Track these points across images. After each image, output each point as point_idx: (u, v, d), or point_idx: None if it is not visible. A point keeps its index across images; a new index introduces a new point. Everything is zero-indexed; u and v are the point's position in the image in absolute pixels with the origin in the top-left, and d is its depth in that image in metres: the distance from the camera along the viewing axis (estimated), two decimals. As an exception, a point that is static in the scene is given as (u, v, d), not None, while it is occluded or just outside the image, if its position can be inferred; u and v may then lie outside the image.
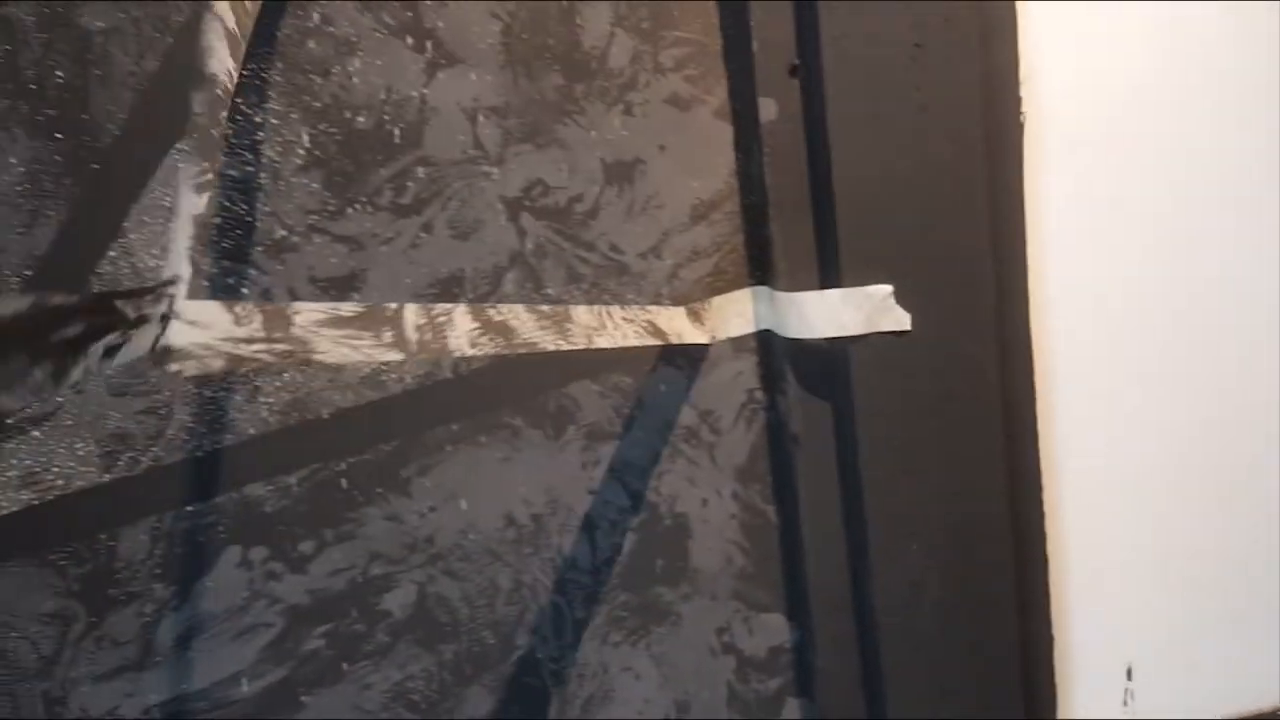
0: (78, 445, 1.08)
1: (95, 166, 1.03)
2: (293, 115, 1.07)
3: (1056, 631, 1.24)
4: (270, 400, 1.13)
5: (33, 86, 1.00)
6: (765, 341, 1.22)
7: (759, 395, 1.25)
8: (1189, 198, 1.24)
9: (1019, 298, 1.16)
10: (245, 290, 1.10)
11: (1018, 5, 1.16)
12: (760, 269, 1.22)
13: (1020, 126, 1.17)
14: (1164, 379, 1.26)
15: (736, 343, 1.23)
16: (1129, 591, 1.27)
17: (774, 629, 1.30)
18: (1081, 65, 1.19)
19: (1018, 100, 1.17)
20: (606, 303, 1.21)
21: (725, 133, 1.21)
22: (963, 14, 1.12)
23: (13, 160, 1.02)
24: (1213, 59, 1.23)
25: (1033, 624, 1.22)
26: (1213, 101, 1.24)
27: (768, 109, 1.16)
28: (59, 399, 1.06)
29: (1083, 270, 1.21)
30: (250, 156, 1.08)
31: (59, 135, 1.02)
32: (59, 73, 1.00)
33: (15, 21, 0.98)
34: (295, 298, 1.11)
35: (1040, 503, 1.20)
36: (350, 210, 1.10)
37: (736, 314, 1.21)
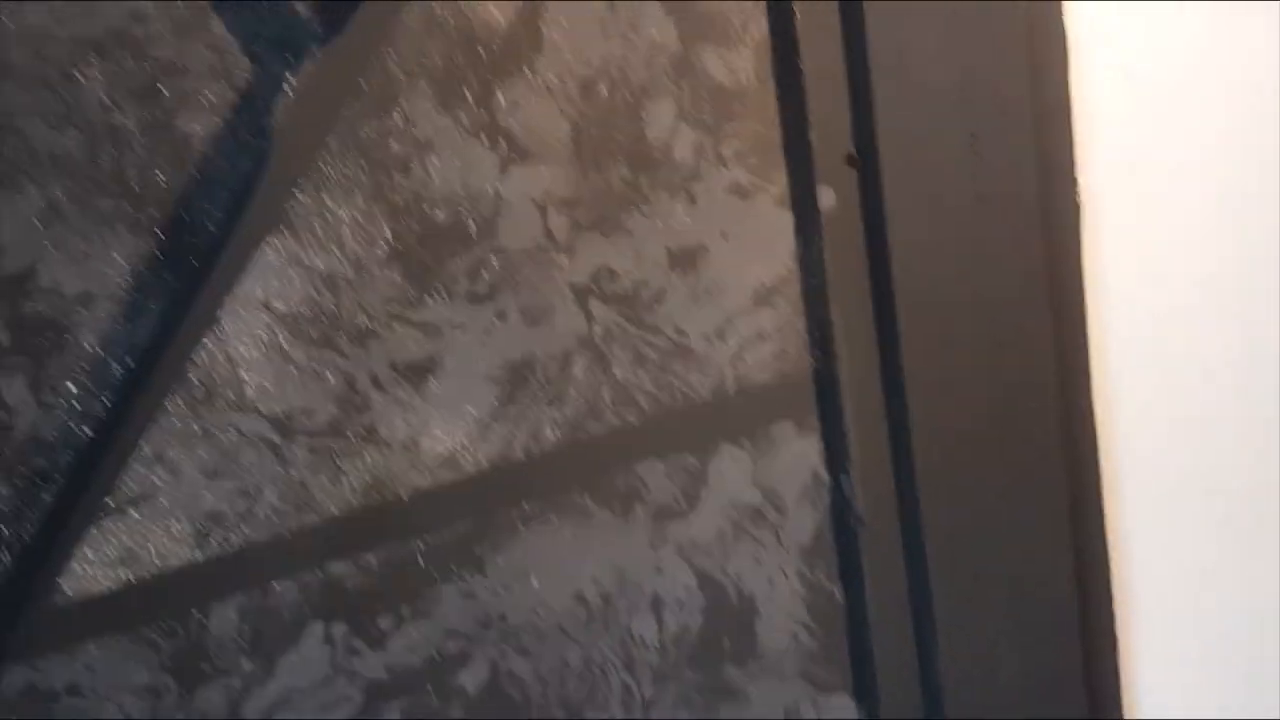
0: (173, 525, 1.10)
1: (194, 262, 1.07)
2: (376, 211, 1.10)
3: (1126, 712, 1.19)
4: (353, 481, 1.14)
5: (136, 189, 1.04)
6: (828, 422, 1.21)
7: (823, 475, 1.24)
8: (1253, 272, 1.20)
9: (1081, 383, 1.14)
10: (330, 376, 1.12)
11: (1072, 92, 1.16)
12: (822, 352, 1.21)
13: (1078, 209, 1.16)
14: (1238, 471, 1.21)
15: (800, 423, 1.22)
16: (1203, 681, 1.21)
17: (841, 709, 1.26)
18: (1139, 145, 1.18)
19: (1074, 184, 1.16)
20: (673, 384, 1.21)
21: (786, 220, 1.21)
22: (1017, 102, 1.12)
23: (116, 256, 1.05)
24: (1270, 131, 1.21)
25: (1103, 704, 1.17)
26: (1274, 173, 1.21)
27: (826, 197, 1.17)
28: (156, 481, 1.08)
29: (1148, 351, 1.18)
30: (336, 250, 1.10)
31: (159, 233, 1.06)
32: (161, 176, 1.04)
33: (123, 129, 1.03)
34: (377, 384, 1.12)
35: (1109, 587, 1.16)
36: (428, 299, 1.12)
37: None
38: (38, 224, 1.03)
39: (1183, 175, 1.26)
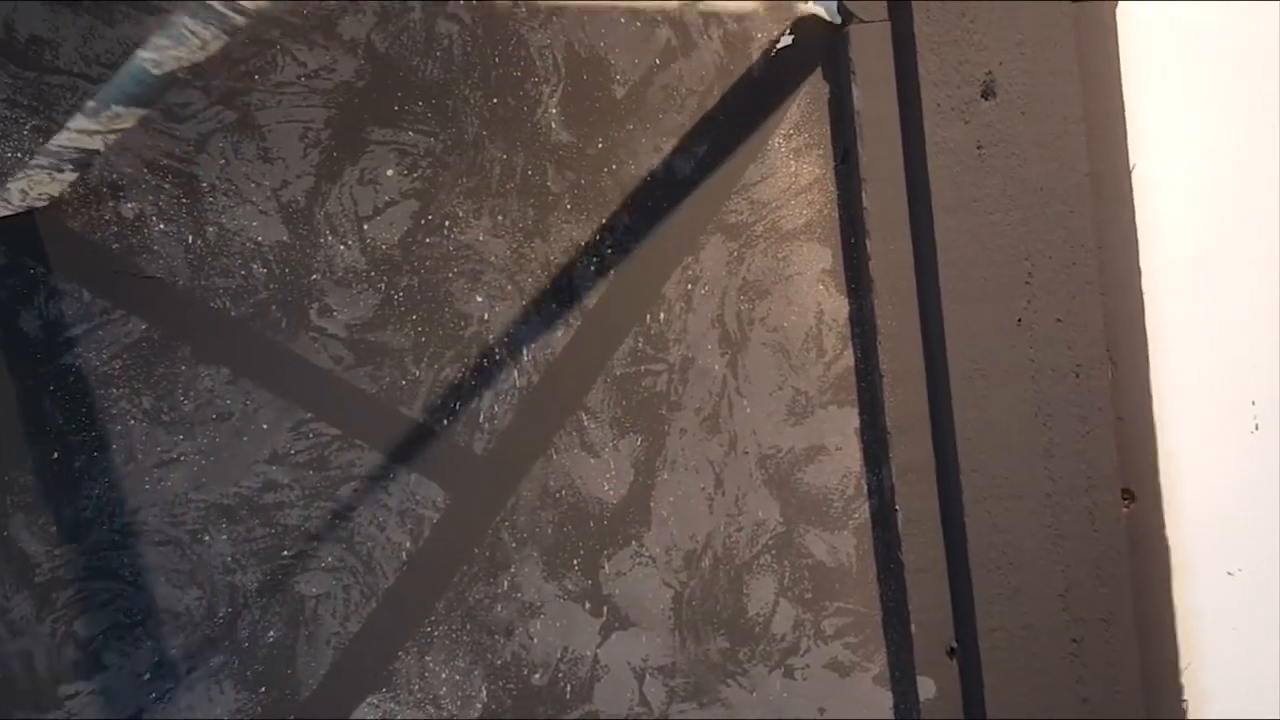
0: None
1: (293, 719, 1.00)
2: (475, 672, 1.04)
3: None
4: None
5: (245, 645, 0.99)
6: None
7: None
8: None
9: None
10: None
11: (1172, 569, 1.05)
12: None
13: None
14: None
15: None
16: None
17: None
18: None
19: (1179, 691, 1.03)
20: None
21: (885, 699, 1.10)
22: (1120, 614, 1.01)
23: (220, 712, 0.99)
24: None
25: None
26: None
27: (926, 687, 1.06)
28: None
29: None
30: (431, 710, 1.02)
31: (263, 689, 1.01)
32: (272, 632, 0.99)
33: (241, 588, 0.99)
34: None
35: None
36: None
37: None
38: (145, 677, 1.00)
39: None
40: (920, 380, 1.04)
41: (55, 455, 0.97)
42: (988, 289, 1.01)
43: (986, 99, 1.02)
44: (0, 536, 0.97)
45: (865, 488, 1.09)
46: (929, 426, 1.04)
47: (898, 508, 1.06)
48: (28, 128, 0.96)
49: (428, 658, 1.04)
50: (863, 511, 1.10)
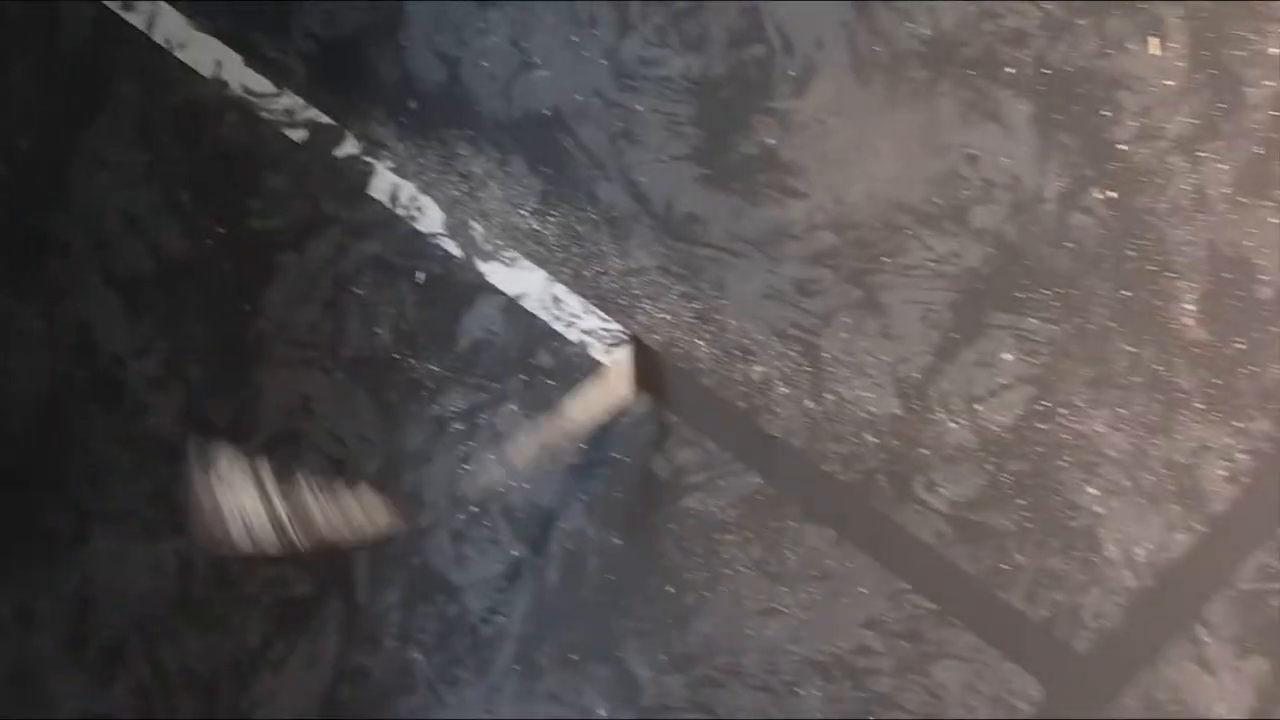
0: None
1: None
2: None
3: None
4: None
5: None
6: None
7: None
8: None
9: None
10: None
11: None
12: None
13: None
14: None
15: None
16: None
17: None
18: None
19: None
20: None
21: None
22: None
23: None
24: None
25: None
26: None
27: None
28: None
29: None
30: None
31: None
32: None
33: None
34: None
35: None
36: None
37: None
38: None
39: None
40: None
41: (669, 589, 1.05)
42: None
43: None
44: (614, 657, 1.06)
45: None
46: None
47: None
48: (675, 293, 1.06)
49: None
50: None
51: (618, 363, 1.04)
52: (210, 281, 1.17)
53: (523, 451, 1.00)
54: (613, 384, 1.03)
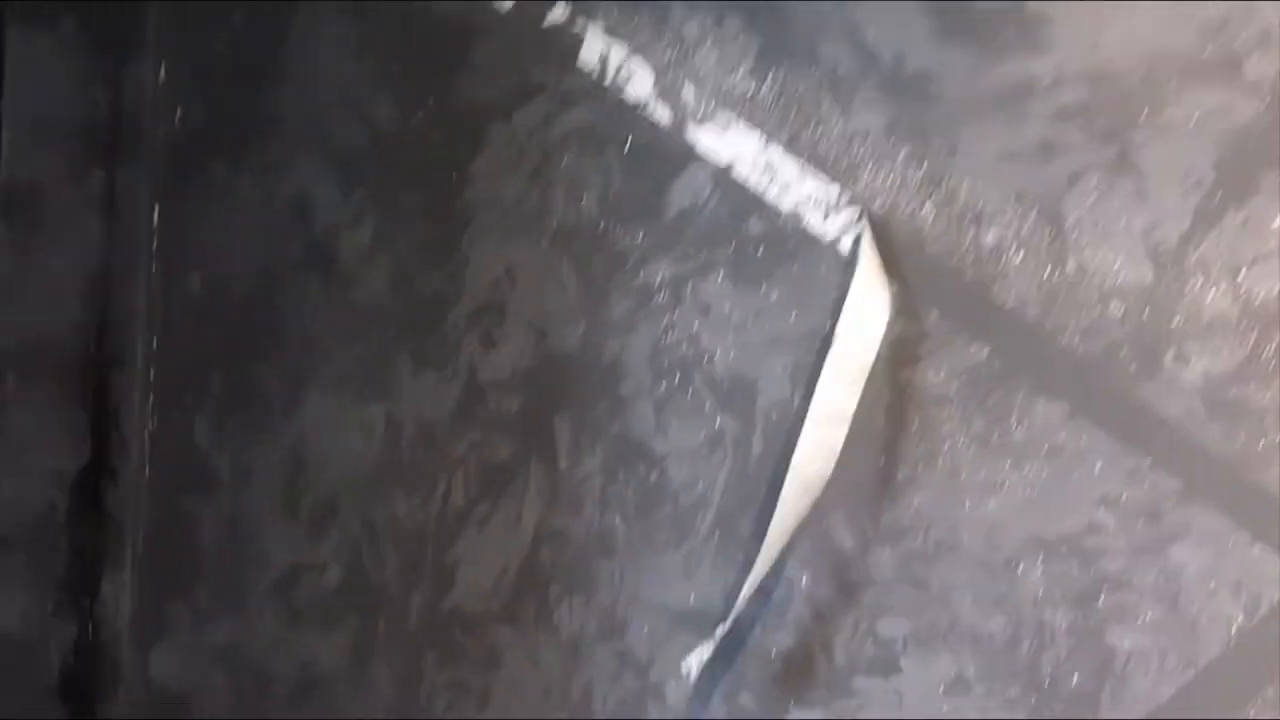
0: None
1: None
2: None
3: None
4: None
5: (1046, 683, 0.92)
6: None
7: None
8: None
9: None
10: None
11: None
12: None
13: None
14: None
15: None
16: None
17: None
18: None
19: None
20: None
21: None
22: None
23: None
24: None
25: None
26: None
27: None
28: None
29: None
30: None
31: None
32: (1076, 677, 0.92)
33: (1050, 626, 0.94)
34: None
35: None
36: None
37: None
38: (940, 690, 0.98)
39: None
40: None
41: (881, 461, 1.01)
42: None
43: None
44: (820, 527, 1.02)
45: None
46: None
47: None
48: (901, 155, 0.98)
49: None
50: None
51: (866, 250, 0.96)
52: (420, 153, 1.16)
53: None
54: (869, 278, 0.95)
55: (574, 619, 1.10)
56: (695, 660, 1.03)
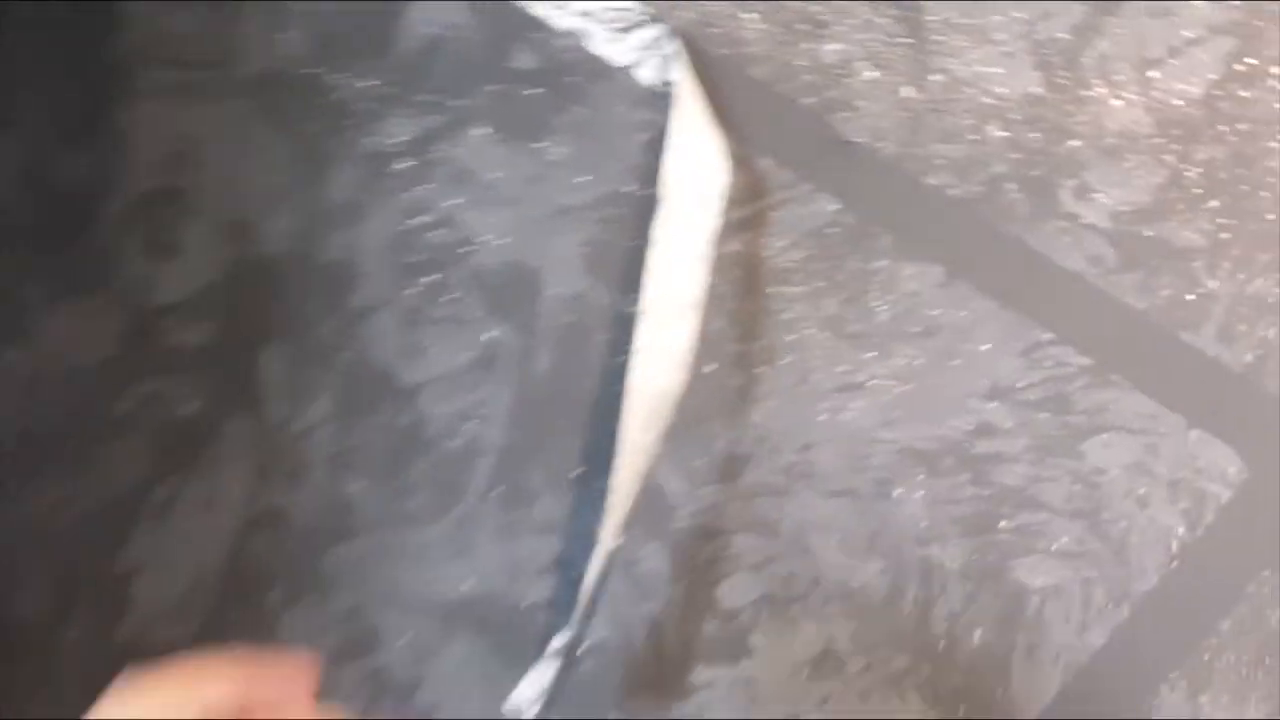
0: None
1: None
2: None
3: None
4: None
5: (941, 645, 0.71)
6: None
7: None
8: None
9: None
10: None
11: None
12: None
13: None
14: None
15: None
16: None
17: None
18: None
19: None
20: None
21: None
22: None
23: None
24: None
25: None
26: None
27: None
28: None
29: None
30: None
31: (962, 707, 0.72)
32: (978, 632, 0.71)
33: (939, 567, 0.73)
34: None
35: None
36: None
37: None
38: (805, 674, 0.75)
39: None
40: None
41: (709, 369, 0.78)
42: None
43: None
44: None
45: None
46: None
47: None
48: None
49: (1202, 697, 0.70)
50: None
51: (682, 77, 0.72)
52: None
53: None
54: (693, 113, 0.71)
55: (303, 633, 0.83)
56: (526, 696, 0.76)
